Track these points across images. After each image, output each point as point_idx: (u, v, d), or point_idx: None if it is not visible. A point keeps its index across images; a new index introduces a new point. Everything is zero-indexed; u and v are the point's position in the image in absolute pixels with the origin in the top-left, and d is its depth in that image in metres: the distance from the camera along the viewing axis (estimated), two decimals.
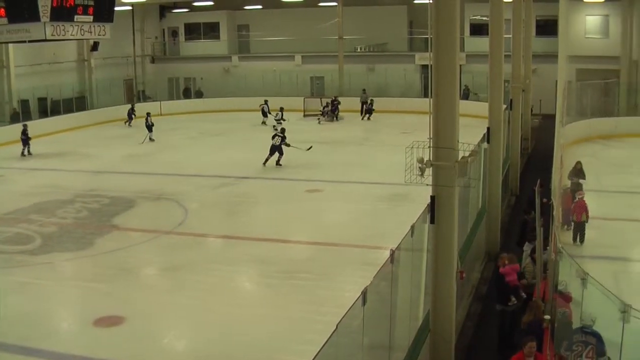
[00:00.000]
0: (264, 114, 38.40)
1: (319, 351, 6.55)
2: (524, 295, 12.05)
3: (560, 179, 16.12)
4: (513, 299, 11.96)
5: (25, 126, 30.90)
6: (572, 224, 16.91)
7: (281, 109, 36.09)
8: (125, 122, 38.87)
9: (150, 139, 33.51)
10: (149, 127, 33.71)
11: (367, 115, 40.39)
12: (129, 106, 40.04)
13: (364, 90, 42.32)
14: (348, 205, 21.00)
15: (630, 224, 18.63)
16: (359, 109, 41.28)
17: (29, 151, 30.45)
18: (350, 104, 41.13)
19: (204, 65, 47.91)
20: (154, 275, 16.26)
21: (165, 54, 51.45)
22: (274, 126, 32.21)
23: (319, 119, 39.28)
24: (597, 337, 8.64)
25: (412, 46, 46.19)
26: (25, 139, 30.43)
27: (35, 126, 33.74)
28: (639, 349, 8.58)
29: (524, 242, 14.73)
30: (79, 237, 18.48)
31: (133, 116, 38.76)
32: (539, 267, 12.10)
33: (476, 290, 14.73)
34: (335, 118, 39.88)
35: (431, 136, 9.85)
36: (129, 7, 42.52)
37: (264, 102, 38.91)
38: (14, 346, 12.04)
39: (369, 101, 40.78)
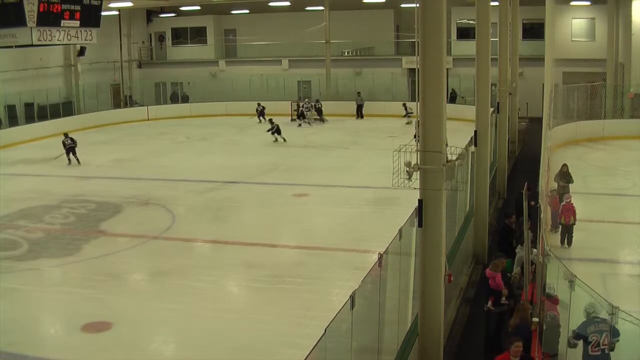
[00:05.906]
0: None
1: (308, 355, 6.55)
2: (505, 302, 12.03)
3: (547, 182, 16.19)
4: (489, 303, 11.97)
5: (65, 135, 29.46)
6: (560, 226, 16.97)
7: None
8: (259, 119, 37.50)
9: (283, 139, 33.30)
10: (277, 130, 33.31)
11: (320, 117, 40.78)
12: (116, 110, 39.76)
13: (358, 93, 42.78)
14: (335, 209, 20.98)
15: (617, 226, 18.72)
16: (345, 113, 41.65)
17: (69, 160, 28.88)
18: (337, 107, 41.27)
19: (191, 69, 47.88)
20: (141, 281, 16.19)
21: (152, 58, 51.31)
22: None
23: (299, 124, 39.45)
24: (608, 322, 8.67)
25: (399, 50, 46.30)
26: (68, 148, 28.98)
27: (22, 131, 33.55)
28: (627, 349, 8.64)
29: (506, 246, 14.73)
30: (66, 243, 18.38)
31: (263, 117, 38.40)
32: (527, 270, 12.13)
33: (464, 293, 14.75)
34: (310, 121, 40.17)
35: (418, 139, 9.86)
36: (116, 12, 42.38)
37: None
38: (0, 352, 11.94)
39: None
